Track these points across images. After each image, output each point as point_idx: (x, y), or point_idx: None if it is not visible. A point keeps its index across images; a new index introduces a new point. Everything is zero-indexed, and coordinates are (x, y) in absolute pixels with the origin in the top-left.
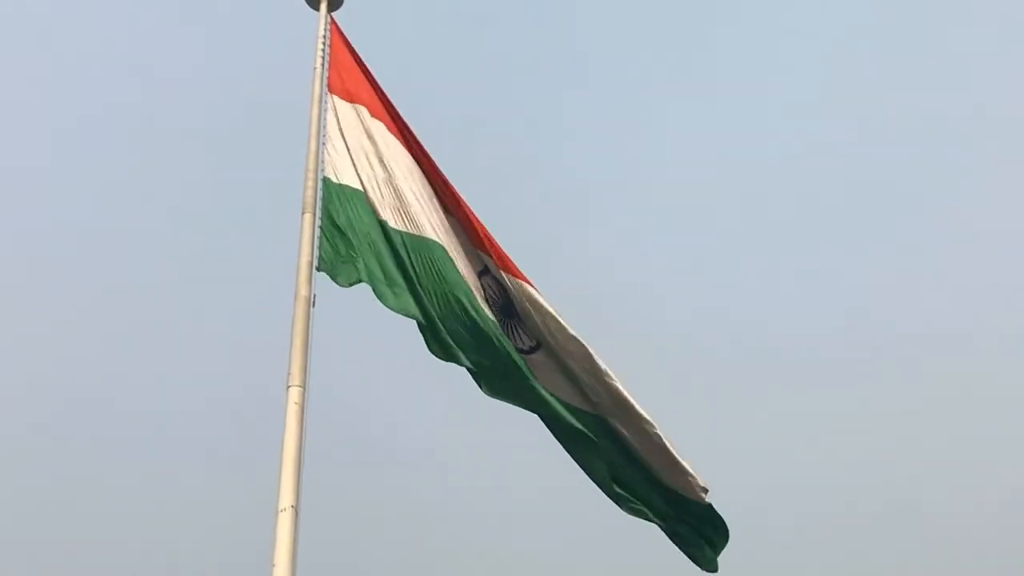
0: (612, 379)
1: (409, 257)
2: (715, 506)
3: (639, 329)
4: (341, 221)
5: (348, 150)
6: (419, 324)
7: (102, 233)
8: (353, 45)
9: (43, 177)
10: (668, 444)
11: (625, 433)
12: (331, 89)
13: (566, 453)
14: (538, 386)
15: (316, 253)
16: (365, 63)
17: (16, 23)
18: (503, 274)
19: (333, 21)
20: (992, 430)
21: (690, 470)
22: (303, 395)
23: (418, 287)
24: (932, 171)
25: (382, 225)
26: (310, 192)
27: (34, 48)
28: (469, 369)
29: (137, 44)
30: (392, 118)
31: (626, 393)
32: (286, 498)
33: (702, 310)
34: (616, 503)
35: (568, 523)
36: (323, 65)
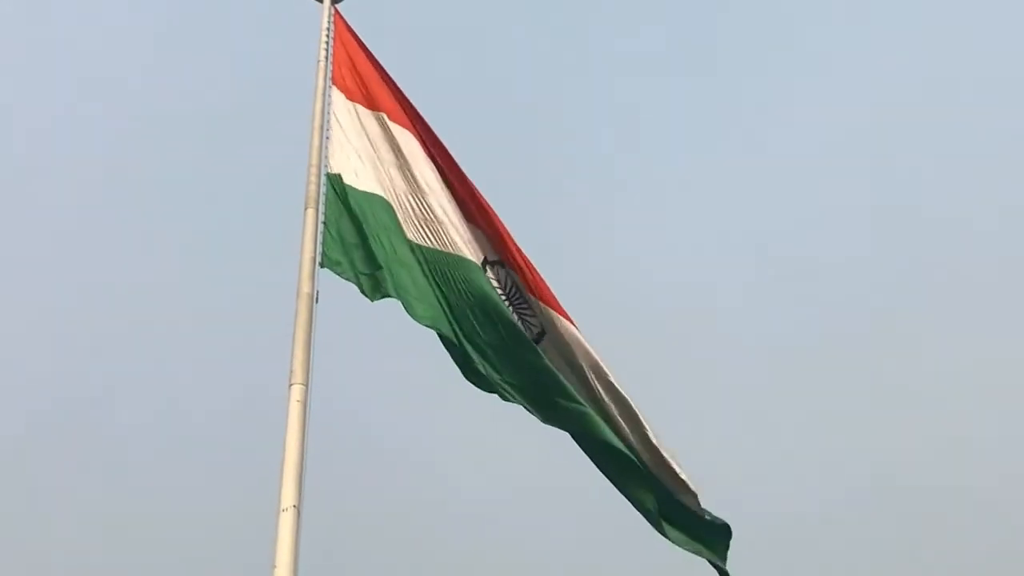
0: (631, 404)
1: (433, 275)
2: (718, 505)
3: (637, 328)
4: (368, 229)
5: (372, 159)
6: (451, 347)
7: (103, 229)
8: (362, 39)
9: (43, 174)
10: (672, 461)
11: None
12: (350, 96)
13: (610, 483)
14: (579, 399)
15: (319, 249)
16: (380, 62)
17: (15, 18)
18: (534, 298)
19: (338, 14)
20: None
21: (690, 485)
22: (305, 393)
23: (444, 306)
24: (936, 169)
25: (409, 244)
26: (313, 187)
27: (34, 42)
28: (523, 405)
29: (138, 39)
30: (413, 122)
31: (640, 414)
32: (288, 498)
33: (702, 308)
34: (665, 537)
35: (573, 525)
36: (327, 58)
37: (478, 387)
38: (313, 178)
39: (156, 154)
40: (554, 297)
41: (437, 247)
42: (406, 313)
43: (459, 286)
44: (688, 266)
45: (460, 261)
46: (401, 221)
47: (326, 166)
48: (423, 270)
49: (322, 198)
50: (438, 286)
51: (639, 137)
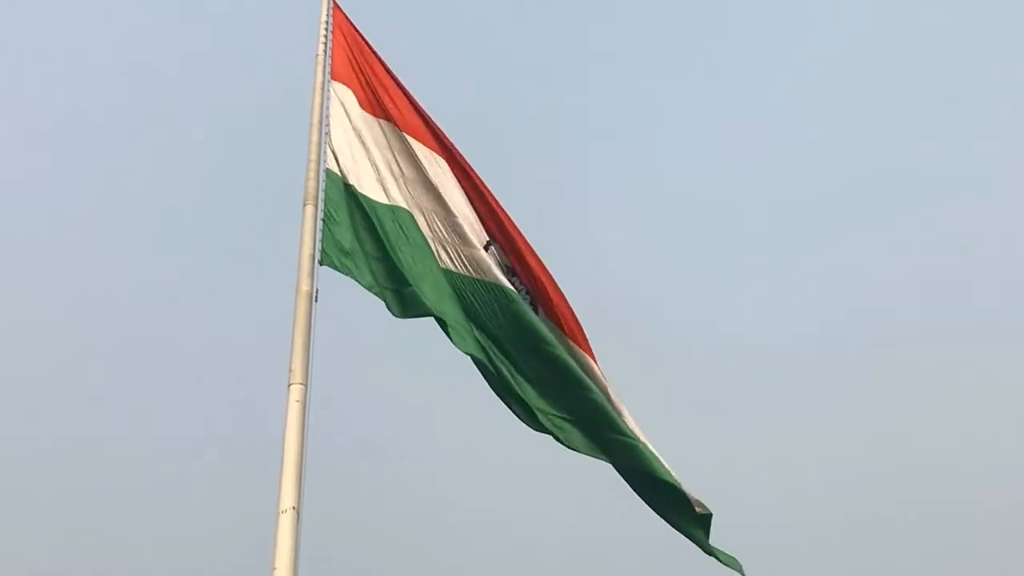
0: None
1: (469, 302)
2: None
3: (640, 332)
4: (391, 243)
5: (396, 174)
6: (490, 377)
7: (99, 226)
8: (364, 34)
9: (41, 174)
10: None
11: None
12: (374, 112)
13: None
14: (627, 431)
15: (318, 246)
16: (391, 68)
17: (14, 15)
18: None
19: (337, 8)
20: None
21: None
22: (305, 393)
23: (480, 334)
24: (937, 170)
25: (442, 270)
26: (312, 183)
27: (33, 39)
28: (580, 447)
29: (140, 33)
30: (435, 137)
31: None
32: (287, 499)
33: (705, 312)
34: (720, 561)
35: (575, 529)
36: (326, 52)
37: (527, 424)
38: (312, 174)
39: (157, 150)
40: (582, 332)
41: (471, 275)
42: (449, 339)
43: (498, 315)
44: (687, 270)
45: (497, 289)
46: (429, 241)
47: (324, 161)
48: (457, 296)
49: (321, 194)
50: (473, 314)
51: (638, 140)
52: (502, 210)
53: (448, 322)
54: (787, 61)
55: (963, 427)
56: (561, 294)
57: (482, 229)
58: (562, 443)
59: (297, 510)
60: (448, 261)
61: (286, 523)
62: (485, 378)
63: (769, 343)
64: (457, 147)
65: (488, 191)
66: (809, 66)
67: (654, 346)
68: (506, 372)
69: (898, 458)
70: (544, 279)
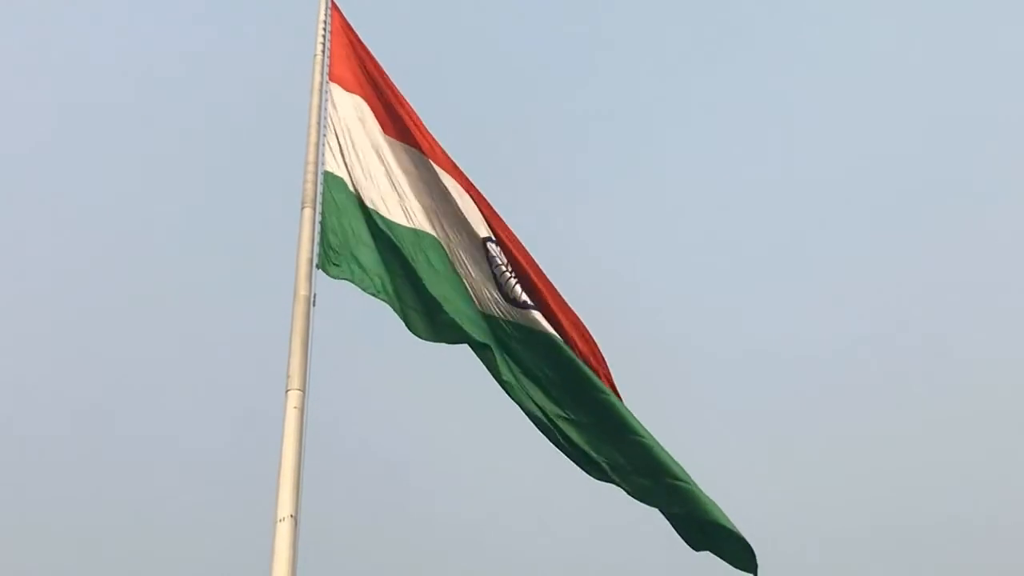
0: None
1: (510, 345)
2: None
3: (639, 340)
4: (419, 267)
5: (428, 205)
6: (538, 422)
7: (97, 228)
8: (362, 38)
9: (39, 176)
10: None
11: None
12: (401, 137)
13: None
14: (679, 475)
15: (316, 250)
16: (395, 85)
17: (13, 17)
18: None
19: (335, 8)
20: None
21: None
22: (303, 399)
23: (523, 378)
24: (942, 183)
25: (474, 306)
26: (310, 186)
27: (32, 42)
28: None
29: (139, 34)
30: (447, 161)
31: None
32: (285, 507)
33: (709, 326)
34: None
35: (578, 535)
36: (324, 53)
37: (591, 476)
38: (310, 176)
39: (158, 150)
40: (607, 372)
41: (511, 319)
42: (500, 385)
43: (542, 361)
44: (688, 282)
45: (540, 335)
46: (464, 279)
47: (323, 164)
48: (497, 341)
49: (319, 197)
50: (516, 359)
51: (637, 143)
52: (526, 252)
53: (499, 371)
54: (787, 61)
55: (984, 439)
56: (586, 333)
57: (512, 266)
58: (629, 494)
59: (295, 518)
60: (486, 303)
61: (284, 531)
62: (536, 425)
63: (778, 354)
64: (460, 168)
65: (506, 228)
66: (809, 66)
67: (655, 353)
68: (560, 422)
69: (918, 473)
70: (566, 317)
